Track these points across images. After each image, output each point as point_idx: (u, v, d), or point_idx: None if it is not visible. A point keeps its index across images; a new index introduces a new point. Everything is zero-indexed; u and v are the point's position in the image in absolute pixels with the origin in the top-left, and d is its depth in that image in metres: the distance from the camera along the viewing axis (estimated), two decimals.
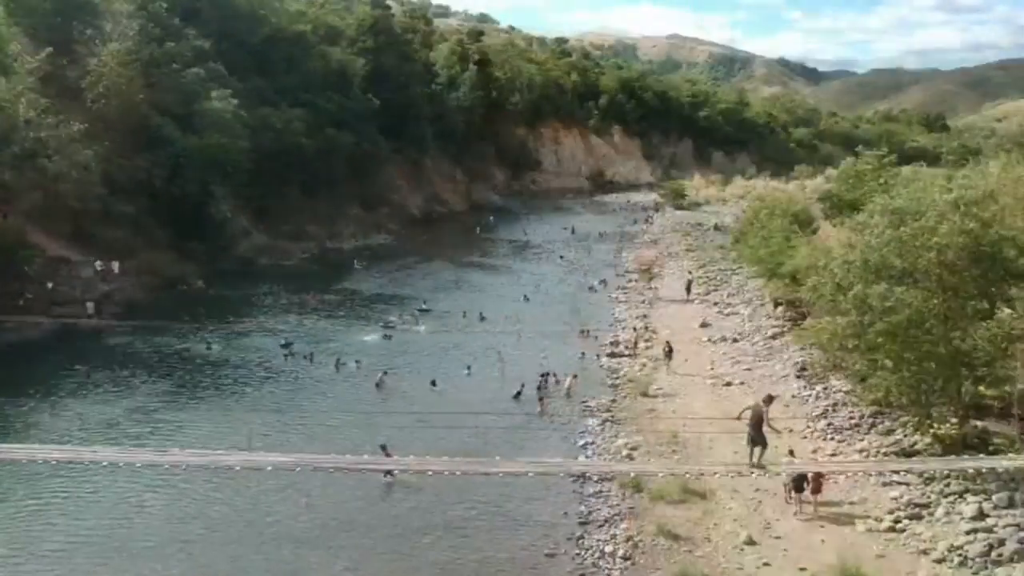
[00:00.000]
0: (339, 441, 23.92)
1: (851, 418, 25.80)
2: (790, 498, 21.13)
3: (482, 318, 41.21)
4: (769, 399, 22.40)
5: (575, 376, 31.50)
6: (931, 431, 22.87)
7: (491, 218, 79.20)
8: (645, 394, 30.00)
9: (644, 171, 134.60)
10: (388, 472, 22.31)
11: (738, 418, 22.20)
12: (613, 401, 29.64)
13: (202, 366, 32.99)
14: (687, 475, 21.62)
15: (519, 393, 30.15)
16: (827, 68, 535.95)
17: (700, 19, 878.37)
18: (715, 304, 44.25)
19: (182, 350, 34.78)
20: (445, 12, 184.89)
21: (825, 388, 28.30)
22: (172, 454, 20.67)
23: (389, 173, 75.15)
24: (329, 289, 48.11)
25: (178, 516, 21.08)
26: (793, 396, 28.63)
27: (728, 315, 41.42)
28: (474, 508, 21.68)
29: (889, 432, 24.22)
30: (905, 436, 23.63)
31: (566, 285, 51.86)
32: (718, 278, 51.06)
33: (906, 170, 45.14)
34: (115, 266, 41.56)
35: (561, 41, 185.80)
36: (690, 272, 51.44)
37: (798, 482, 20.88)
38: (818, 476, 21.06)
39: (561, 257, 62.37)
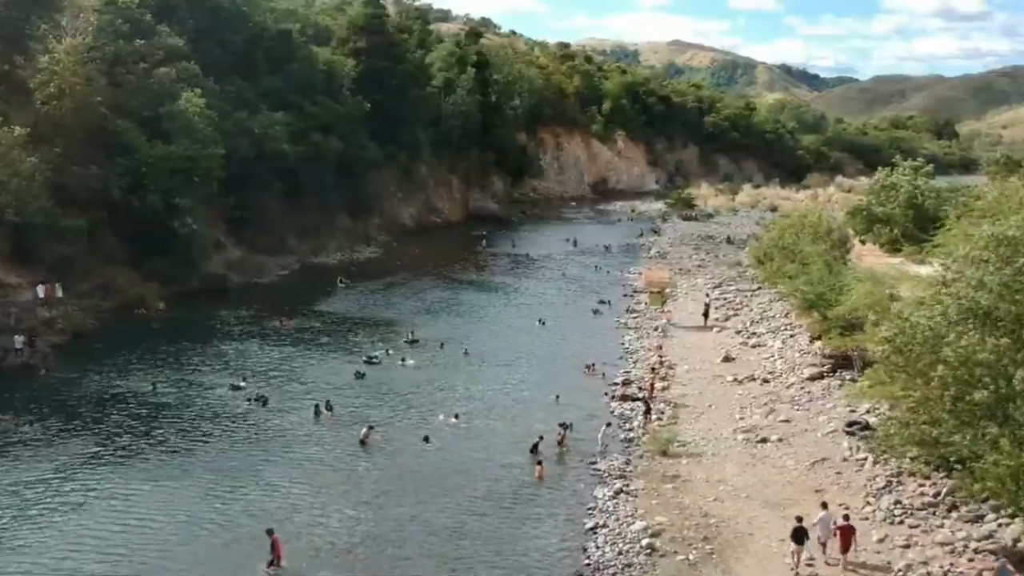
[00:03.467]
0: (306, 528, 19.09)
1: (922, 493, 20.96)
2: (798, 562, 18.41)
3: (466, 353, 36.37)
4: (848, 523, 18.59)
5: (566, 429, 26.70)
6: None
7: (484, 234, 74.10)
8: (665, 453, 25.13)
9: (648, 178, 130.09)
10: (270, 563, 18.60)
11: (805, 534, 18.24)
12: (627, 463, 24.77)
13: (142, 413, 27.98)
14: None
15: (535, 446, 25.44)
16: (827, 75, 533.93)
17: (700, 26, 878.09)
18: (737, 332, 39.41)
19: (122, 392, 29.81)
20: (445, 16, 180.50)
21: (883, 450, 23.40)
22: None
23: (380, 181, 70.33)
24: (307, 311, 43.33)
25: None
26: (844, 459, 23.76)
27: (754, 347, 36.56)
28: None
29: (977, 518, 19.37)
30: (1001, 525, 18.79)
31: (570, 308, 46.94)
32: (737, 300, 46.23)
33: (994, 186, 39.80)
34: (59, 289, 36.76)
35: (563, 45, 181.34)
36: (707, 295, 46.56)
37: (798, 535, 18.38)
38: (848, 529, 18.34)
39: (563, 274, 57.57)
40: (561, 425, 26.90)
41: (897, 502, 20.74)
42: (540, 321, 42.83)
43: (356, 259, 59.33)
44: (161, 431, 26.68)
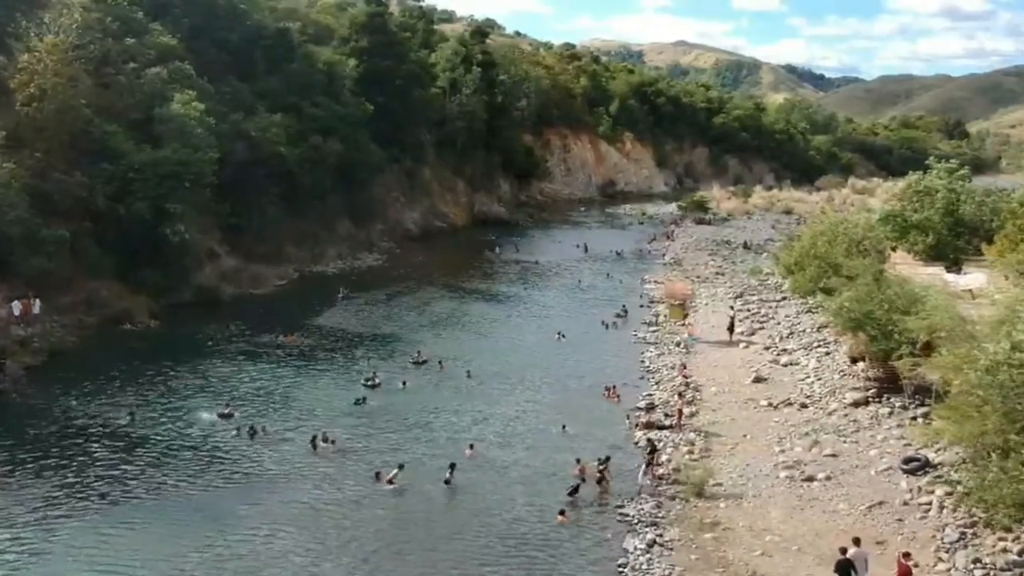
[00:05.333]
0: None
1: (1005, 549, 18.21)
2: None
3: (468, 375, 33.56)
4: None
5: (604, 465, 23.90)
6: None
7: (495, 239, 71.56)
8: (701, 494, 22.41)
9: (657, 180, 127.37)
10: None
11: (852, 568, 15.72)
12: (658, 506, 22.05)
13: (117, 446, 25.22)
14: None
15: (576, 489, 22.75)
16: (831, 75, 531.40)
17: (703, 27, 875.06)
18: (766, 348, 36.63)
19: (97, 421, 27.05)
20: (450, 18, 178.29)
21: (951, 494, 20.67)
22: None
23: (383, 185, 67.64)
24: (304, 325, 40.69)
25: None
26: (905, 503, 21.01)
27: (786, 366, 33.78)
28: None
29: None
30: None
31: (584, 320, 44.13)
32: (762, 312, 43.45)
33: None
34: (36, 305, 34.16)
35: (568, 46, 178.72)
36: (732, 307, 43.76)
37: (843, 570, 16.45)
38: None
39: (578, 282, 54.85)
40: (599, 461, 24.15)
41: (976, 560, 17.99)
42: (559, 335, 40.18)
43: (357, 267, 56.68)
44: (137, 467, 24.03)
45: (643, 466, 24.05)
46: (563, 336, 39.95)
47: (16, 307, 33.42)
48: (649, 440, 25.82)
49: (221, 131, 48.95)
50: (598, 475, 23.48)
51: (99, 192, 39.94)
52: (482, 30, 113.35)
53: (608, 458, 24.12)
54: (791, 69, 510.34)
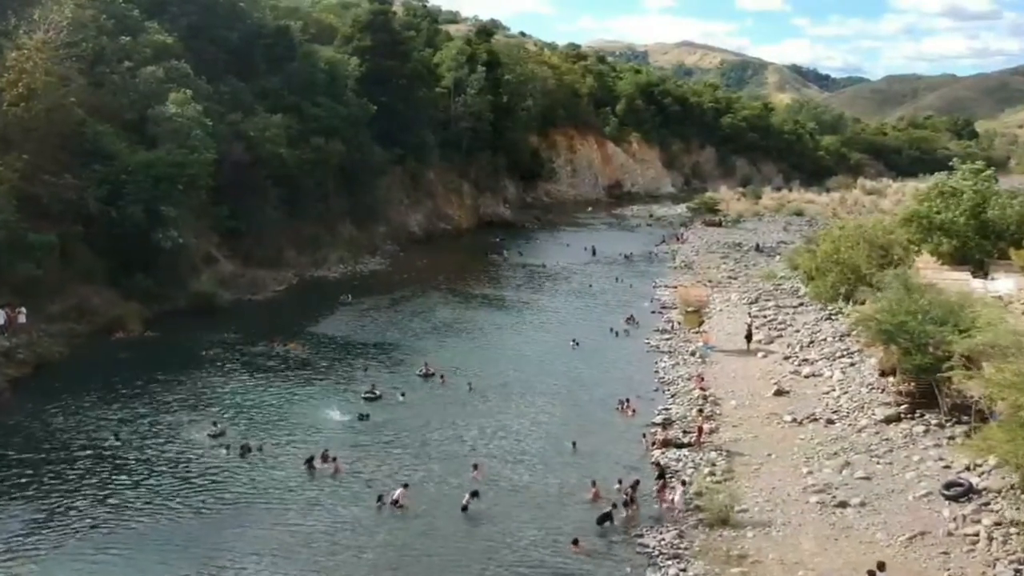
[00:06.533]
0: None
1: None
2: None
3: (470, 388, 31.86)
4: None
5: (633, 489, 22.24)
6: None
7: (500, 240, 70.08)
8: (726, 522, 20.76)
9: (664, 181, 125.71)
10: None
11: None
12: (680, 536, 20.41)
13: (100, 468, 23.65)
14: None
15: (607, 517, 21.03)
16: (836, 75, 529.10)
17: (707, 27, 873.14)
18: (785, 358, 34.95)
19: (79, 440, 25.47)
20: (454, 18, 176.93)
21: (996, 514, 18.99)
22: None
23: (386, 186, 66.10)
24: (304, 333, 39.17)
25: None
26: (949, 533, 19.33)
27: (808, 377, 32.09)
28: None
29: None
30: None
31: (594, 327, 42.40)
32: (779, 319, 41.74)
33: None
34: (22, 314, 32.65)
35: (574, 46, 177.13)
36: (749, 314, 42.08)
37: None
38: None
39: (589, 286, 53.24)
40: (620, 482, 22.65)
41: None
42: (574, 342, 38.63)
43: (359, 272, 55.13)
44: (122, 490, 22.50)
45: (655, 492, 22.38)
46: (577, 343, 38.39)
47: (1, 316, 31.92)
48: (657, 464, 23.98)
49: (219, 132, 47.56)
50: (626, 498, 21.84)
51: (90, 195, 38.46)
52: (487, 29, 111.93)
53: (638, 481, 22.54)
54: (796, 69, 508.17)
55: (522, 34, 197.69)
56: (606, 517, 20.98)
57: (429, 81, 76.73)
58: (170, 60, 49.21)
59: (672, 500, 21.88)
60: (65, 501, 21.78)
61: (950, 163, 42.93)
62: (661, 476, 23.11)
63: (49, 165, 38.21)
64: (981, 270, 38.90)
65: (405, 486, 22.23)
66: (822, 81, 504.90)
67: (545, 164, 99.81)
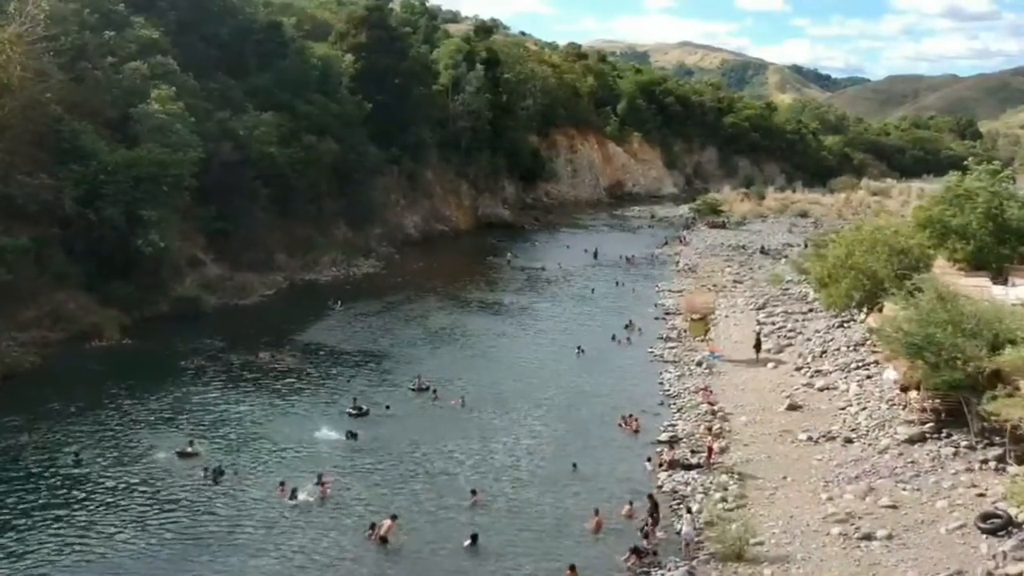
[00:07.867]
0: None
1: None
2: None
3: (463, 404, 29.97)
4: None
5: (653, 518, 20.47)
6: None
7: (500, 242, 68.29)
8: (741, 556, 18.95)
9: (666, 181, 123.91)
10: None
11: None
12: (690, 573, 18.59)
13: (61, 492, 21.84)
14: None
15: (639, 552, 19.18)
16: (837, 75, 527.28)
17: (708, 27, 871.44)
18: (797, 369, 33.16)
19: (40, 459, 23.65)
20: (454, 17, 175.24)
21: None
22: None
23: (382, 186, 64.24)
24: (291, 341, 37.36)
25: None
26: (989, 573, 17.48)
27: (822, 390, 30.30)
28: None
29: None
30: None
31: (596, 335, 40.50)
32: (788, 326, 39.95)
33: None
34: None
35: (575, 46, 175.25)
36: (758, 322, 40.27)
37: None
38: None
39: (591, 290, 51.45)
40: (630, 505, 21.04)
41: None
42: (579, 349, 36.98)
43: (353, 275, 53.29)
44: (84, 517, 20.71)
45: (647, 526, 20.43)
46: (582, 351, 36.67)
47: None
48: (651, 496, 21.76)
49: (207, 130, 45.90)
50: (644, 525, 20.04)
51: (67, 196, 36.75)
52: (486, 27, 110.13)
53: (656, 506, 20.74)
54: (797, 69, 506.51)
55: (522, 34, 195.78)
56: (640, 552, 19.07)
57: (427, 79, 74.91)
58: (156, 56, 47.52)
59: (679, 531, 20.08)
60: (20, 532, 19.94)
61: (964, 163, 41.11)
62: (655, 509, 21.02)
63: (24, 164, 36.63)
64: (1000, 276, 37.17)
65: (394, 517, 20.37)
66: (823, 81, 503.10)
67: (545, 164, 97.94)
